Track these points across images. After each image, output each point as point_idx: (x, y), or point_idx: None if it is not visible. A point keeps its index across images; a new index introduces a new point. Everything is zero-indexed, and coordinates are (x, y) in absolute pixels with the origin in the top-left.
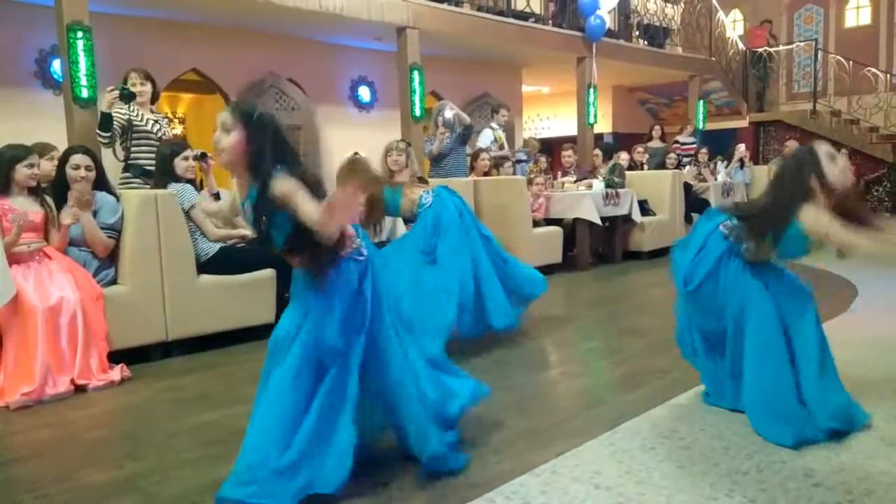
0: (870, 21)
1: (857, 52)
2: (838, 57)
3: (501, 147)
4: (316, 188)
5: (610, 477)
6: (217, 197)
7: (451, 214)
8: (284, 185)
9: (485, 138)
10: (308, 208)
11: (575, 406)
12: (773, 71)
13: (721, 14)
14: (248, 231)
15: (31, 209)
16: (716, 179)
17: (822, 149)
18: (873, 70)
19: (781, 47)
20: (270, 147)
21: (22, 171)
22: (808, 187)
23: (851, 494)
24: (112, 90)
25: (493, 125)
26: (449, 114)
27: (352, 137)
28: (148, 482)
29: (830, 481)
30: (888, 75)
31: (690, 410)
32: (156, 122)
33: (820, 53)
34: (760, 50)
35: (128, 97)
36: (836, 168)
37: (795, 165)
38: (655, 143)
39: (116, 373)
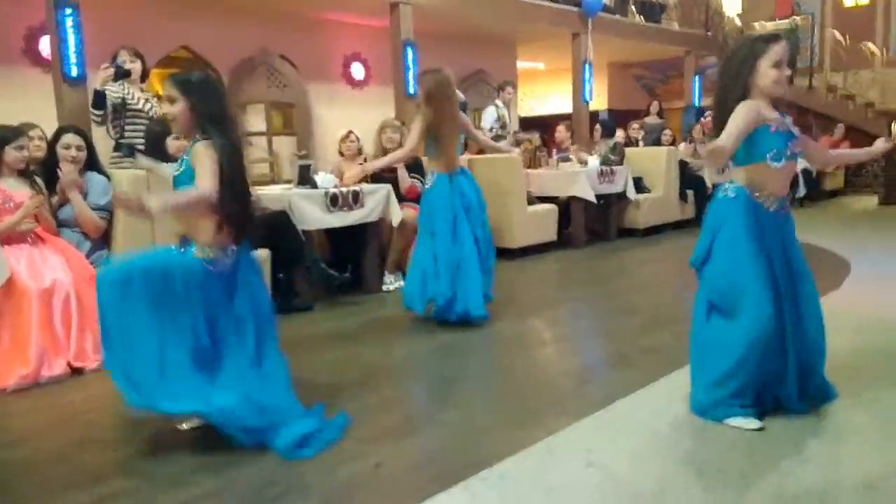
0: None
1: (855, 27)
2: (835, 32)
3: (504, 126)
4: (235, 162)
5: (602, 455)
6: None
7: (443, 199)
8: (201, 153)
9: (489, 116)
10: (200, 177)
11: (568, 385)
12: (801, 40)
13: None
14: None
15: (21, 190)
16: None
17: (773, 49)
18: (870, 45)
19: (780, 21)
20: (210, 110)
21: (11, 154)
22: (745, 84)
23: (841, 467)
24: (107, 67)
25: (498, 102)
26: None
27: (345, 115)
28: (144, 463)
29: (821, 458)
30: (885, 51)
31: (682, 389)
32: (146, 100)
33: (817, 28)
34: (789, 20)
35: (123, 74)
36: (774, 73)
37: (735, 59)
38: (653, 120)
39: None
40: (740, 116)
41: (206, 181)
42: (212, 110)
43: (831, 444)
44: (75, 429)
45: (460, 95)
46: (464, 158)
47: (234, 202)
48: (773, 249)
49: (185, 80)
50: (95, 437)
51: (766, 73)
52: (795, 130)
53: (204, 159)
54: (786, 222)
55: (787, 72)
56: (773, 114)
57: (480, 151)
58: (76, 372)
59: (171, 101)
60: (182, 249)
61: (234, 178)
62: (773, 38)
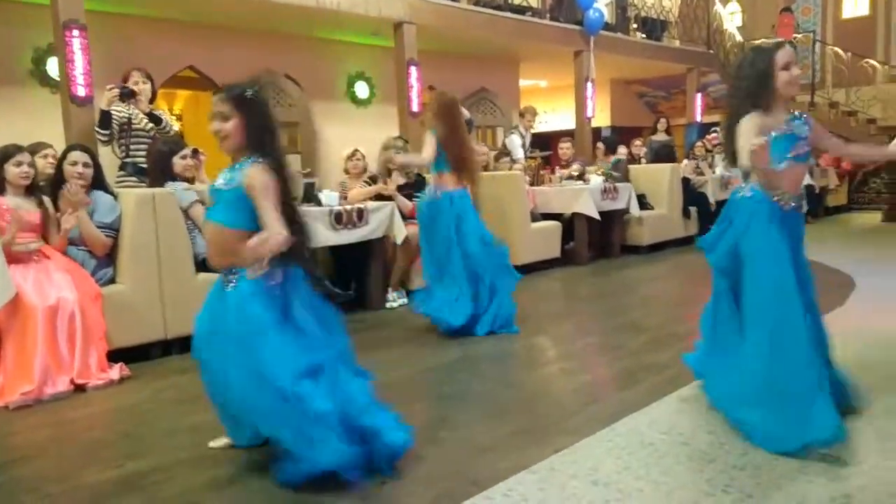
0: (868, 12)
1: (855, 44)
2: (836, 48)
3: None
4: (286, 180)
5: (608, 473)
6: None
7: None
8: (260, 180)
9: (515, 146)
10: (270, 218)
11: (573, 403)
12: (802, 58)
13: (718, 6)
14: None
15: (28, 208)
16: (713, 173)
17: (781, 53)
18: (871, 61)
19: (779, 40)
20: (265, 125)
21: (11, 170)
22: (757, 93)
23: (847, 489)
24: (112, 88)
25: (522, 130)
26: None
27: (349, 133)
28: (148, 481)
29: (825, 477)
30: (886, 66)
31: (689, 407)
32: (150, 120)
33: (818, 45)
34: (791, 38)
35: (127, 95)
36: (786, 75)
37: (750, 69)
38: (660, 137)
39: (115, 372)
40: (748, 129)
41: (276, 223)
42: (265, 125)
43: (838, 464)
44: (78, 446)
45: (466, 114)
46: None
47: (288, 219)
48: (792, 251)
49: (240, 96)
50: (99, 455)
51: (779, 76)
52: (807, 129)
53: (265, 191)
54: (798, 223)
55: (798, 71)
56: (779, 119)
57: (485, 168)
58: (79, 389)
59: (224, 118)
60: (234, 282)
61: (286, 194)
62: (776, 45)
